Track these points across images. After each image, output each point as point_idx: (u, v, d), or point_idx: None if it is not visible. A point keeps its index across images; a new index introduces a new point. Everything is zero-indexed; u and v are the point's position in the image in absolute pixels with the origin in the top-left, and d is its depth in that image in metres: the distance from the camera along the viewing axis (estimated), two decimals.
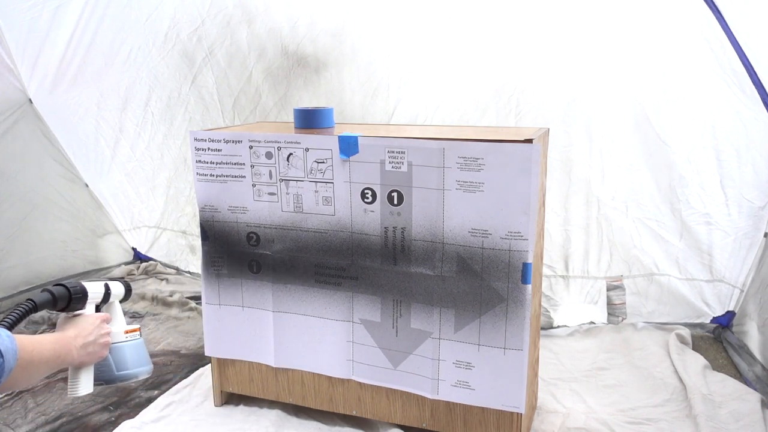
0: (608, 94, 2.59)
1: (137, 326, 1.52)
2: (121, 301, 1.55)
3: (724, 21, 2.29)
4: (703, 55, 2.40)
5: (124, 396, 2.34)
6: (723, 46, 2.34)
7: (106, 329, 1.38)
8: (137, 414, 2.20)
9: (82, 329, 1.32)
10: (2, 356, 0.97)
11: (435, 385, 1.89)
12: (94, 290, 1.44)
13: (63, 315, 1.37)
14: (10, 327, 1.17)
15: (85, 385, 1.36)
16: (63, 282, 1.37)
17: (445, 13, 2.68)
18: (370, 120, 2.91)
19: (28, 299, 1.25)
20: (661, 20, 2.44)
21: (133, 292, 3.29)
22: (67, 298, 1.34)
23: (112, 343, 1.43)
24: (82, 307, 1.39)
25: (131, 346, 1.48)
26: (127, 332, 1.48)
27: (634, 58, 2.51)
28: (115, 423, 2.16)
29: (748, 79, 2.35)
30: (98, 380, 1.41)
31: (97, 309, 1.45)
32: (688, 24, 2.38)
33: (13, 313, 1.19)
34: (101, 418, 2.20)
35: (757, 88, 2.34)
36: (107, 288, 1.49)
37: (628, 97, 2.57)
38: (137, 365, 1.48)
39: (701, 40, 2.37)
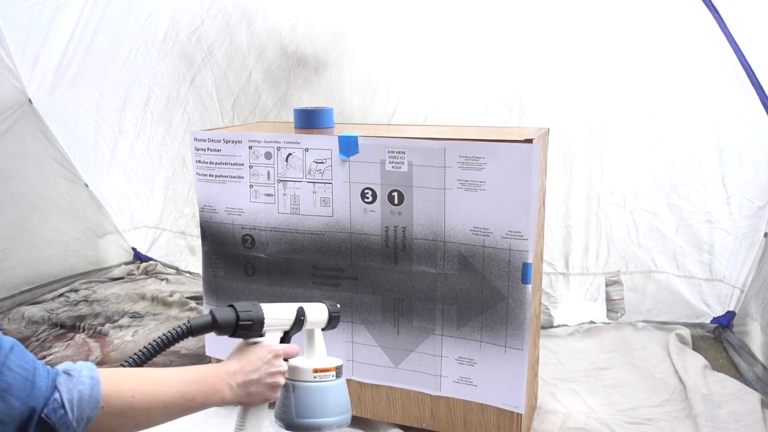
0: (611, 91, 2.59)
1: (335, 365, 1.18)
2: (324, 329, 1.24)
3: (723, 22, 2.29)
4: (705, 54, 2.40)
5: None
6: (724, 45, 2.34)
7: (278, 367, 1.09)
8: None
9: (247, 364, 1.06)
10: (64, 408, 0.80)
11: (438, 381, 1.89)
12: (278, 315, 1.14)
13: (241, 340, 1.12)
14: (155, 353, 1.00)
15: (251, 429, 1.10)
16: (235, 304, 1.10)
17: (446, 13, 2.68)
18: (370, 120, 2.90)
19: (187, 320, 1.06)
20: (663, 19, 2.43)
21: (133, 292, 3.34)
22: (232, 326, 1.08)
23: (296, 381, 1.15)
24: (258, 334, 1.11)
25: (318, 389, 1.16)
26: (317, 371, 1.16)
27: (636, 55, 2.51)
28: None
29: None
30: (280, 420, 1.17)
31: (286, 337, 1.16)
32: (690, 23, 2.38)
33: (162, 338, 1.01)
34: None
35: (756, 90, 2.34)
36: (300, 313, 1.17)
37: (631, 94, 2.57)
38: (323, 414, 1.15)
39: (703, 39, 2.37)
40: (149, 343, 1.00)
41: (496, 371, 1.81)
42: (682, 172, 2.59)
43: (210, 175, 2.03)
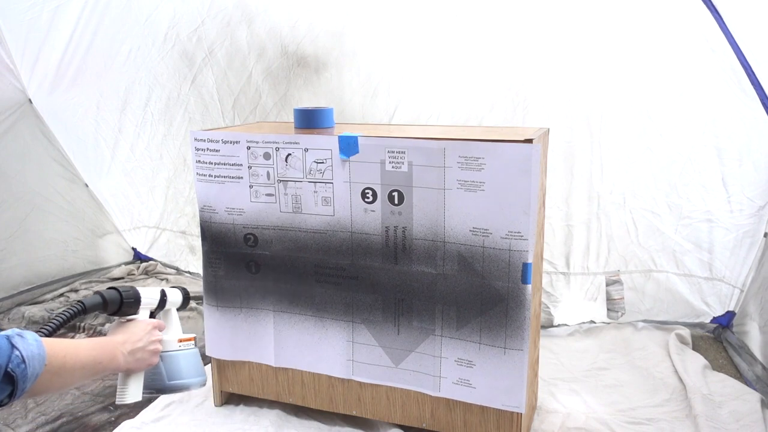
0: (611, 91, 2.59)
1: (192, 336, 1.47)
2: (178, 309, 1.52)
3: (723, 22, 2.29)
4: (704, 54, 2.40)
5: None
6: (722, 45, 2.34)
7: (157, 336, 1.34)
8: (137, 414, 2.20)
9: (132, 335, 1.28)
10: (24, 363, 0.94)
11: (437, 382, 1.90)
12: (149, 296, 1.40)
13: (116, 319, 1.35)
14: (57, 328, 1.16)
15: (133, 392, 1.32)
16: (117, 286, 1.34)
17: (446, 12, 2.68)
18: (370, 120, 2.91)
19: (78, 301, 1.24)
20: (663, 20, 2.44)
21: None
22: (118, 303, 1.31)
23: (165, 352, 1.39)
24: (135, 312, 1.36)
25: (184, 356, 1.43)
26: (181, 341, 1.44)
27: (636, 56, 2.51)
28: (115, 423, 2.16)
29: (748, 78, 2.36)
30: (149, 388, 1.37)
31: (152, 315, 1.42)
32: (689, 23, 2.38)
33: (61, 315, 1.18)
34: (101, 418, 2.20)
35: (756, 90, 2.34)
36: (163, 294, 1.45)
37: (631, 94, 2.57)
38: (189, 375, 1.43)
39: (702, 39, 2.38)
40: (50, 321, 1.17)
41: (496, 373, 1.81)
42: (682, 172, 2.59)
43: (210, 176, 2.03)
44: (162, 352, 1.37)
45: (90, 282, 3.49)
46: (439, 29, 2.71)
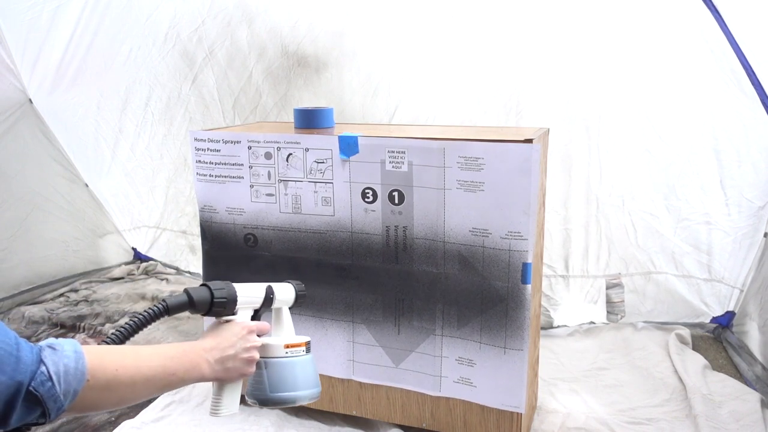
0: (609, 93, 2.59)
1: (304, 340, 1.22)
2: (291, 308, 1.29)
3: (723, 22, 2.29)
4: (703, 56, 2.40)
5: None
6: (722, 46, 2.34)
7: (253, 342, 1.12)
8: (137, 414, 2.20)
9: (222, 340, 1.09)
10: (51, 380, 0.81)
11: (437, 382, 1.90)
12: (249, 294, 1.19)
13: (214, 319, 1.16)
14: (134, 331, 1.02)
15: (228, 404, 1.13)
16: (209, 283, 1.13)
17: (446, 12, 2.68)
18: (370, 120, 2.91)
19: (162, 299, 1.07)
20: (661, 21, 2.44)
21: (133, 292, 3.34)
22: (207, 304, 1.11)
23: (268, 358, 1.17)
24: (231, 312, 1.15)
25: (290, 364, 1.19)
26: (288, 347, 1.19)
27: (634, 57, 2.51)
28: (115, 423, 2.16)
29: (748, 79, 2.36)
30: (252, 398, 1.19)
31: (257, 316, 1.21)
32: (687, 25, 2.38)
33: (139, 316, 1.03)
34: (101, 418, 2.20)
35: (756, 89, 2.34)
36: (269, 292, 1.22)
37: (629, 96, 2.57)
38: (296, 387, 1.19)
39: (701, 40, 2.38)
40: (127, 322, 1.01)
41: (496, 372, 1.81)
42: (680, 174, 2.59)
43: (210, 175, 2.03)
44: (265, 358, 1.17)
45: (90, 282, 3.49)
46: (439, 29, 2.71)
